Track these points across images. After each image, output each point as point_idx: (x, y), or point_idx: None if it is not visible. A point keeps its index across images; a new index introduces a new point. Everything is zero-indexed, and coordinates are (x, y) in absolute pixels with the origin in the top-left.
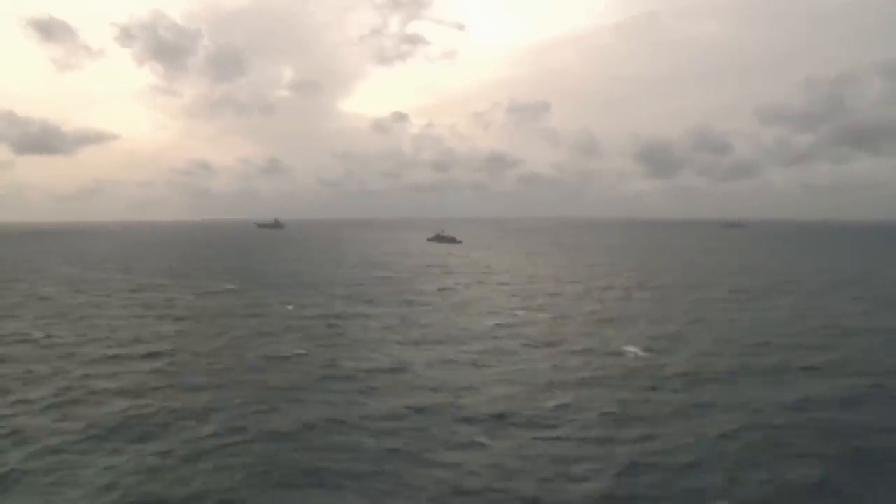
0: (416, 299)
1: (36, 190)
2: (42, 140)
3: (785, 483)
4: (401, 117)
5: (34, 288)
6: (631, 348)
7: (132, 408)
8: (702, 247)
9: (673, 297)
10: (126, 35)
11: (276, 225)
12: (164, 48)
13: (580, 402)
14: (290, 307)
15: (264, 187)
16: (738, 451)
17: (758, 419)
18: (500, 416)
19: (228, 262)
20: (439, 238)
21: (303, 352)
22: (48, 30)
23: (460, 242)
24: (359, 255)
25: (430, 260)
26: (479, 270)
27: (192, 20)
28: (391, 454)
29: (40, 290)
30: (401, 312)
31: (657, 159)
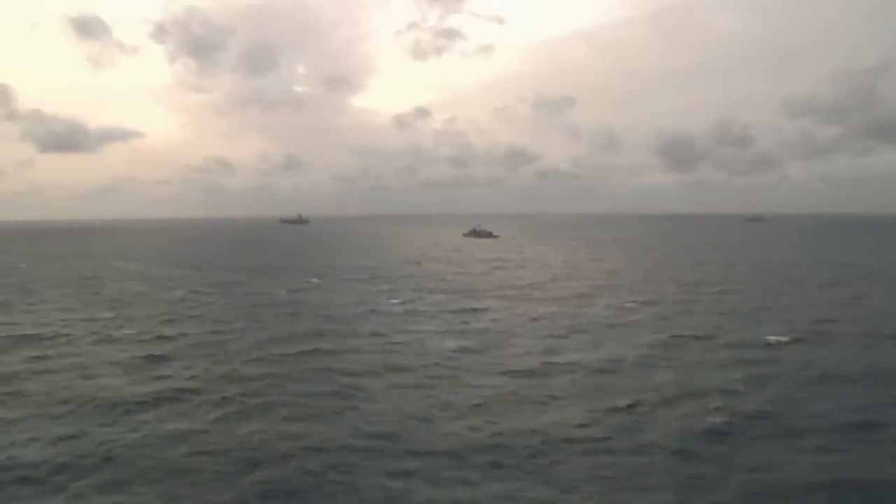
0: (516, 294)
1: (55, 188)
2: (67, 138)
3: None
4: (423, 112)
5: (123, 285)
6: (779, 338)
7: (351, 407)
8: (742, 241)
9: (770, 290)
10: (160, 31)
11: (301, 221)
12: (197, 45)
13: (788, 395)
14: (395, 301)
15: (280, 184)
16: None
17: None
18: (721, 409)
19: (287, 258)
20: (476, 233)
21: (473, 347)
22: (85, 27)
23: (497, 237)
24: (408, 251)
25: (485, 255)
26: (550, 265)
27: (223, 16)
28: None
29: (129, 286)
30: (514, 306)
31: (678, 153)
